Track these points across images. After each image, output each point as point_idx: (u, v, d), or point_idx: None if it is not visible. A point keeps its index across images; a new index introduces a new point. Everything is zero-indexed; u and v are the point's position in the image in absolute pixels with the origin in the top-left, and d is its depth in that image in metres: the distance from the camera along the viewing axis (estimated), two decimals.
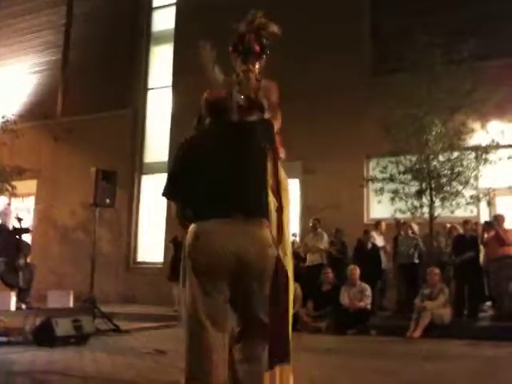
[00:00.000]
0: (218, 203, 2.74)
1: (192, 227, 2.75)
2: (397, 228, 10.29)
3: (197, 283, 2.69)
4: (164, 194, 2.97)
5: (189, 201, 2.85)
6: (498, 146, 9.63)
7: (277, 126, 3.21)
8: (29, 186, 15.29)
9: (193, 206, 2.82)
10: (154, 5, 16.13)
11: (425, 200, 9.91)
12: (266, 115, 3.19)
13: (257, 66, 3.64)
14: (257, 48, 3.62)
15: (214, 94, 3.10)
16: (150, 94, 15.64)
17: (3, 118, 14.14)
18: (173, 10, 15.47)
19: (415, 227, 10.05)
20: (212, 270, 2.66)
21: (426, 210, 9.91)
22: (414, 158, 10.01)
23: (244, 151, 2.86)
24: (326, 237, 10.37)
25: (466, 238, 9.29)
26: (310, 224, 10.57)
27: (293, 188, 12.65)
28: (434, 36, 9.11)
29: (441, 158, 9.91)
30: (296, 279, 9.40)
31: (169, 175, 3.02)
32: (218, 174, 2.79)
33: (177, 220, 2.95)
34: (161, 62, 15.56)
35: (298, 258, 10.38)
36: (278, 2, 12.76)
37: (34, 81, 16.89)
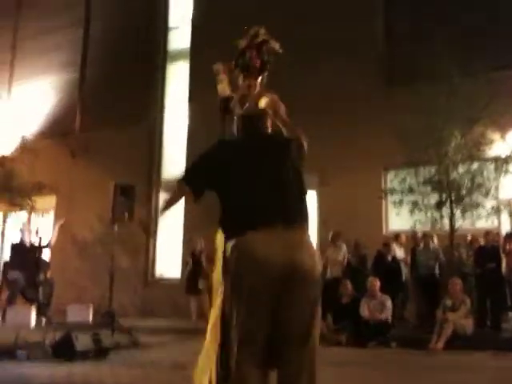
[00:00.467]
0: (264, 214, 2.66)
1: (238, 241, 2.66)
2: (413, 240, 10.18)
3: (246, 300, 2.57)
4: (184, 179, 2.90)
5: (231, 211, 2.78)
6: None
7: (305, 145, 3.18)
8: (48, 201, 15.44)
9: (237, 217, 2.74)
10: (171, 23, 16.32)
11: (445, 212, 9.80)
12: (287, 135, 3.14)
13: (258, 81, 3.69)
14: (258, 63, 3.67)
15: (251, 109, 3.17)
16: (166, 110, 15.78)
17: (22, 138, 14.39)
18: (189, 27, 15.63)
19: (435, 239, 9.93)
20: (263, 284, 2.55)
21: (446, 221, 9.80)
22: (433, 169, 9.93)
23: (284, 163, 2.84)
24: (344, 248, 10.29)
25: (488, 249, 9.17)
26: (330, 237, 10.49)
27: (310, 200, 12.61)
28: (451, 46, 9.08)
29: (460, 169, 9.82)
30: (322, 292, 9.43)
31: (194, 165, 2.97)
32: (262, 185, 2.74)
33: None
34: (177, 79, 15.70)
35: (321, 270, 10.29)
36: (292, 14, 12.89)
37: (52, 99, 17.12)
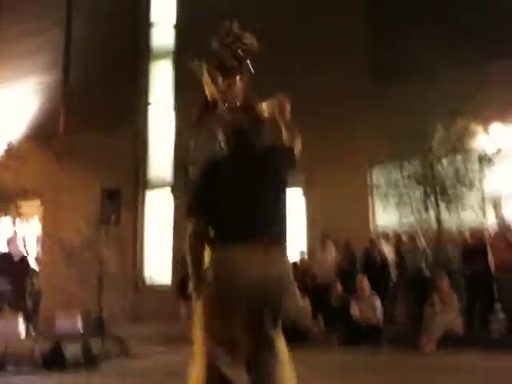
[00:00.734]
0: (241, 230, 2.78)
1: (215, 254, 2.78)
2: (397, 242, 10.18)
3: (219, 311, 2.73)
4: (190, 211, 2.93)
5: (213, 225, 2.85)
6: (500, 150, 9.61)
7: (297, 150, 3.19)
8: (33, 206, 15.31)
9: (217, 231, 2.83)
10: (153, 21, 16.21)
11: (430, 205, 9.85)
12: (285, 137, 3.19)
13: (237, 78, 3.63)
14: (233, 62, 3.62)
15: (238, 121, 3.11)
16: (151, 109, 15.68)
17: (8, 145, 14.25)
18: (171, 25, 15.53)
19: (421, 238, 9.94)
20: (236, 297, 2.70)
21: (432, 214, 9.85)
22: (417, 163, 9.98)
23: (266, 179, 2.92)
24: (333, 249, 10.29)
25: (475, 248, 9.16)
26: (319, 237, 10.50)
27: (296, 200, 12.68)
28: (433, 41, 9.10)
29: (444, 162, 9.88)
30: (305, 293, 9.44)
31: (194, 194, 3.01)
32: (242, 201, 2.84)
33: (192, 240, 2.89)
34: (161, 78, 15.61)
35: (309, 276, 10.30)
36: (277, 13, 12.86)
37: (36, 102, 16.95)
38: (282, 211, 2.92)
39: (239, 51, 3.62)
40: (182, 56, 14.31)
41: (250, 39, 3.67)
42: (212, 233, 2.84)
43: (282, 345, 2.88)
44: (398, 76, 9.85)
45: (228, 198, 2.85)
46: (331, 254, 10.23)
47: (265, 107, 3.51)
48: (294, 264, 10.56)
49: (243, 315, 2.72)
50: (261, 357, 2.79)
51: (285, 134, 3.21)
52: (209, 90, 3.77)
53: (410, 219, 10.14)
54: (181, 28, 15.11)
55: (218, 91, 3.67)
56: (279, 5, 12.89)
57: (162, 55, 15.80)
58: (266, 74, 12.27)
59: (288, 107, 3.32)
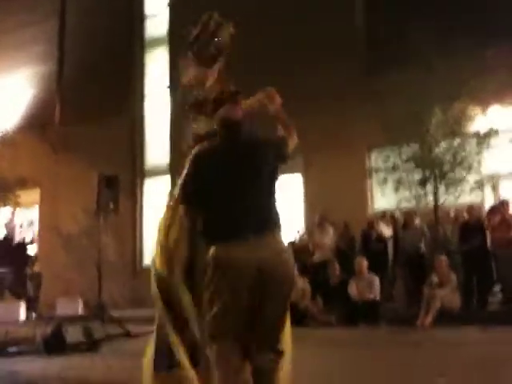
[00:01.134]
0: (235, 225, 2.84)
1: (212, 251, 2.81)
2: (393, 221, 10.23)
3: (220, 299, 2.76)
4: (183, 201, 3.07)
5: (206, 221, 2.92)
6: (497, 132, 9.61)
7: (292, 145, 3.20)
8: (32, 195, 15.31)
9: (210, 227, 2.89)
10: (148, 10, 16.15)
11: (429, 188, 9.88)
12: (281, 131, 3.21)
13: (214, 68, 3.64)
14: (212, 51, 3.62)
15: (230, 113, 3.08)
16: (147, 98, 15.65)
17: (2, 133, 14.22)
18: (166, 14, 15.47)
19: (417, 218, 9.98)
20: (236, 288, 2.75)
21: (430, 198, 9.89)
22: (416, 147, 9.99)
23: (259, 172, 2.96)
24: (331, 231, 10.33)
25: (472, 225, 9.24)
26: (316, 220, 10.52)
27: (295, 183, 12.71)
28: (430, 24, 9.07)
29: (443, 145, 9.89)
30: (304, 274, 9.51)
31: (184, 184, 3.07)
32: (236, 199, 2.88)
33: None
34: (156, 67, 15.56)
35: (306, 253, 10.37)
36: (272, 4, 12.82)
37: (31, 92, 16.91)
38: (273, 201, 2.98)
39: (219, 40, 3.63)
40: (176, 41, 14.28)
41: (229, 27, 3.68)
42: (204, 223, 2.92)
43: (286, 335, 2.97)
44: (395, 62, 9.83)
45: (218, 189, 2.90)
46: (329, 235, 10.25)
47: (253, 101, 3.52)
48: (292, 244, 10.64)
49: (240, 304, 2.75)
50: (261, 350, 2.84)
51: (280, 129, 3.22)
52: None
53: (408, 203, 10.15)
54: (174, 13, 15.04)
55: (196, 80, 3.67)
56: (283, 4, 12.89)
57: (156, 43, 15.74)
58: (262, 61, 12.34)
59: (278, 99, 3.33)
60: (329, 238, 10.25)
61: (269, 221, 2.91)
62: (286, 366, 2.98)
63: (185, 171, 3.10)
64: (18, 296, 8.47)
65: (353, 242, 10.45)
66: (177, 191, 3.23)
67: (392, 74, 9.46)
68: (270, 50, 12.53)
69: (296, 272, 9.24)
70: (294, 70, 12.11)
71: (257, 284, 2.75)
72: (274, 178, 3.02)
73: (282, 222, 2.96)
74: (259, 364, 2.82)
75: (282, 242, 2.94)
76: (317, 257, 10.14)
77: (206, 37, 3.63)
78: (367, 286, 8.92)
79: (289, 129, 3.21)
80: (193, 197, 2.99)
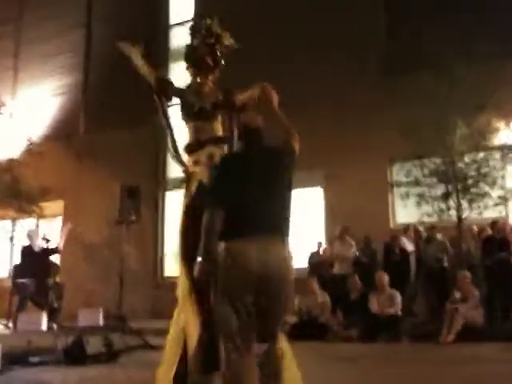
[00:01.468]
0: (251, 226, 2.99)
1: (225, 247, 2.96)
2: (416, 234, 10.13)
3: (228, 300, 2.93)
4: (211, 202, 3.11)
5: (226, 221, 3.04)
6: None
7: (296, 147, 3.25)
8: (55, 206, 15.47)
9: (228, 222, 3.02)
10: (172, 22, 16.32)
11: (452, 202, 9.76)
12: (282, 134, 3.26)
13: (210, 78, 3.76)
14: (209, 62, 3.69)
15: (251, 120, 3.22)
16: (171, 108, 15.74)
17: (28, 141, 14.43)
18: (189, 23, 15.62)
19: (439, 234, 9.86)
20: (242, 287, 2.92)
21: (453, 212, 9.77)
22: (438, 161, 9.89)
23: (274, 177, 3.09)
24: (353, 244, 10.24)
25: (496, 239, 9.11)
26: (338, 232, 10.45)
27: (316, 196, 12.66)
28: (453, 33, 9.00)
29: (466, 159, 9.77)
30: (324, 288, 9.45)
31: (214, 186, 3.23)
32: (254, 199, 3.02)
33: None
34: (179, 78, 15.68)
35: (326, 266, 10.32)
36: (292, 7, 12.86)
37: (56, 102, 17.16)
38: (287, 207, 3.11)
39: (218, 52, 3.71)
40: None
41: (229, 40, 3.75)
42: (224, 223, 3.03)
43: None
44: (416, 72, 9.75)
45: (239, 193, 3.04)
46: (351, 248, 10.17)
47: (246, 95, 3.59)
48: (312, 256, 10.59)
49: (248, 301, 2.92)
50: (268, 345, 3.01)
51: (280, 131, 3.28)
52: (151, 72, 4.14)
53: (431, 217, 10.03)
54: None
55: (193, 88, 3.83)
56: (300, 4, 12.90)
57: (181, 54, 15.87)
58: (282, 72, 12.37)
59: (274, 95, 3.39)
60: (350, 250, 10.17)
61: (279, 226, 3.05)
62: (293, 368, 3.10)
63: (212, 175, 3.32)
64: (40, 306, 8.56)
65: (374, 255, 10.36)
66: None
67: (413, 84, 9.39)
68: (284, 51, 12.56)
69: (316, 285, 9.29)
70: (309, 73, 12.09)
71: (257, 281, 2.90)
72: (289, 186, 3.15)
73: (290, 231, 3.10)
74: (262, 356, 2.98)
75: (287, 249, 3.05)
76: (337, 269, 10.07)
77: (207, 47, 3.71)
78: (388, 300, 8.82)
79: (287, 127, 3.26)
80: (221, 199, 3.10)
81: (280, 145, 3.22)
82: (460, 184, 9.71)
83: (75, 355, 6.62)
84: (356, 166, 11.69)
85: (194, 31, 3.77)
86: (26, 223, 14.62)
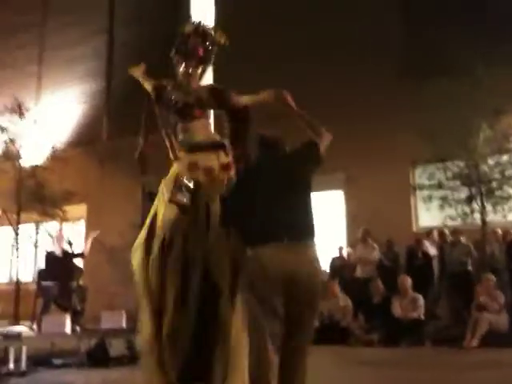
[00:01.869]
0: (273, 230, 3.01)
1: (251, 253, 3.03)
2: (441, 237, 10.03)
3: (257, 304, 2.93)
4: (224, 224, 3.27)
5: (248, 225, 3.11)
6: None
7: (325, 140, 3.28)
8: (78, 210, 15.64)
9: (251, 231, 3.08)
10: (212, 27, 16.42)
11: (476, 206, 9.66)
12: (309, 133, 3.28)
13: (199, 71, 3.66)
14: (201, 52, 3.61)
15: (267, 131, 3.30)
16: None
17: (53, 147, 14.62)
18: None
19: (463, 237, 9.76)
20: (270, 290, 2.93)
21: (477, 215, 9.66)
22: (461, 164, 9.79)
23: (293, 181, 3.13)
24: (377, 250, 10.17)
25: None
26: (360, 235, 10.40)
27: (337, 199, 12.61)
28: (474, 35, 8.92)
29: (490, 161, 9.67)
30: (346, 291, 9.40)
31: (227, 207, 3.27)
32: (273, 204, 3.07)
33: None
34: (203, 80, 15.76)
35: (348, 269, 10.29)
36: (310, 9, 12.86)
37: (80, 108, 17.36)
38: (309, 213, 3.14)
39: (209, 43, 3.65)
40: (221, 58, 14.47)
41: (221, 36, 3.73)
42: (250, 230, 3.08)
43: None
44: (437, 72, 9.66)
45: (258, 204, 3.09)
46: (374, 251, 10.10)
47: (254, 97, 3.56)
48: (333, 259, 10.55)
49: (277, 303, 2.93)
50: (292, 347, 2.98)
51: (309, 131, 3.28)
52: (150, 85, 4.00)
53: (454, 221, 9.93)
54: (220, 28, 15.24)
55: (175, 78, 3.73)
56: (317, 7, 12.90)
57: None
58: (302, 75, 12.34)
59: (290, 100, 3.39)
60: (373, 253, 10.10)
61: (304, 230, 3.07)
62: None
63: (232, 183, 3.34)
64: (64, 309, 8.66)
65: (396, 259, 10.28)
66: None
67: (435, 86, 9.31)
68: (306, 52, 12.56)
69: (338, 289, 9.25)
70: (329, 76, 12.08)
71: (286, 286, 2.92)
72: (309, 190, 3.19)
73: (316, 233, 3.10)
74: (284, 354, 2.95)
75: (314, 254, 3.05)
76: (359, 273, 10.02)
77: (198, 38, 3.62)
78: (411, 304, 8.74)
79: (315, 127, 3.27)
80: (232, 221, 3.23)
81: (303, 148, 3.25)
82: (484, 187, 9.61)
83: (98, 357, 6.70)
84: (378, 169, 11.61)
85: (189, 22, 3.71)
86: (50, 226, 14.79)
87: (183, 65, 3.64)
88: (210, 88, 3.67)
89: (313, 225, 3.13)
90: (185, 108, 3.55)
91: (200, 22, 3.67)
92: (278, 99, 3.43)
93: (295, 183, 3.14)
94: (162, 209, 3.61)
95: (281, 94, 3.43)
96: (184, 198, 3.43)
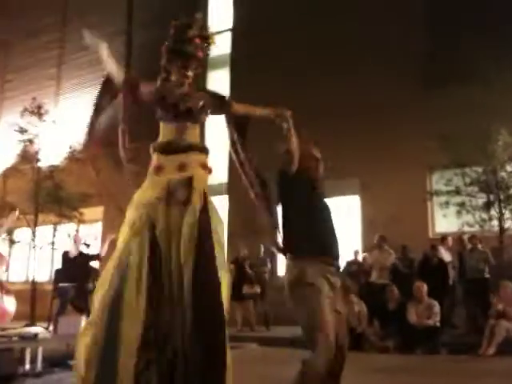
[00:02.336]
0: (312, 246, 3.42)
1: (294, 262, 3.45)
2: (459, 242, 9.94)
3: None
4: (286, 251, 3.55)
5: (289, 234, 3.52)
6: None
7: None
8: (95, 212, 15.75)
9: (293, 241, 3.48)
10: (211, 30, 16.46)
11: (493, 212, 9.57)
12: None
13: (191, 74, 3.57)
14: (200, 55, 3.58)
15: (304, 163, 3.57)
16: (208, 118, 15.88)
17: (70, 148, 14.75)
18: (228, 34, 15.75)
19: (480, 244, 9.66)
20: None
21: (495, 222, 9.58)
22: (480, 170, 9.72)
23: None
24: (393, 255, 10.10)
25: None
26: (375, 241, 10.34)
27: (352, 204, 12.56)
28: (491, 42, 8.87)
29: (508, 168, 9.59)
30: (361, 297, 9.34)
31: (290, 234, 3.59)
32: (321, 228, 3.50)
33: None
34: (218, 86, 15.83)
35: (363, 275, 10.25)
36: (330, 18, 12.86)
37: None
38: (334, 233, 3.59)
39: (207, 45, 3.63)
40: (238, 63, 14.52)
41: (213, 40, 3.70)
42: (287, 241, 3.49)
43: None
44: (455, 78, 9.61)
45: (297, 217, 3.49)
46: (389, 257, 10.04)
47: (261, 112, 3.66)
48: (349, 264, 10.49)
49: None
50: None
51: (287, 152, 3.53)
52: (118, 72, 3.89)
53: (471, 227, 9.85)
54: (237, 34, 15.28)
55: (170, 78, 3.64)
56: (333, 8, 12.90)
57: (218, 63, 16.01)
58: (320, 82, 12.31)
59: (290, 120, 3.52)
60: (389, 259, 10.04)
61: (333, 247, 3.57)
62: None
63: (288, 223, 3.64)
64: (80, 310, 8.72)
65: (412, 265, 10.20)
66: None
67: (452, 91, 9.27)
68: (323, 60, 12.56)
69: (353, 295, 9.18)
70: (346, 83, 12.07)
71: None
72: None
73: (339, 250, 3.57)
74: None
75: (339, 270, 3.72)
76: (374, 278, 9.96)
77: (201, 42, 3.56)
78: (427, 310, 8.66)
79: (292, 155, 3.50)
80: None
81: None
82: (502, 193, 9.52)
83: None
84: (394, 175, 11.56)
85: (192, 24, 3.66)
86: (67, 228, 14.93)
87: (180, 65, 3.54)
88: (211, 94, 3.65)
89: (336, 242, 3.59)
90: (187, 111, 3.49)
91: (203, 24, 3.63)
92: (279, 116, 3.51)
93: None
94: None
95: (283, 113, 3.51)
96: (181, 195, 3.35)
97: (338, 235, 3.59)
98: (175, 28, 3.70)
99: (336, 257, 3.55)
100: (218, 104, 3.66)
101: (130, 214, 3.40)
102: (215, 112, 3.70)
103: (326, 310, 3.26)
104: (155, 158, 3.57)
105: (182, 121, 3.49)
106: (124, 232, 3.32)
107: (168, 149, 3.51)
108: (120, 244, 3.29)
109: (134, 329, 2.97)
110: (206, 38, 3.58)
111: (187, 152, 3.47)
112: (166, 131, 3.58)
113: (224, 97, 3.71)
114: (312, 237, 3.45)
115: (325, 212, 3.60)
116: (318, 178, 3.70)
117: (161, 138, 3.61)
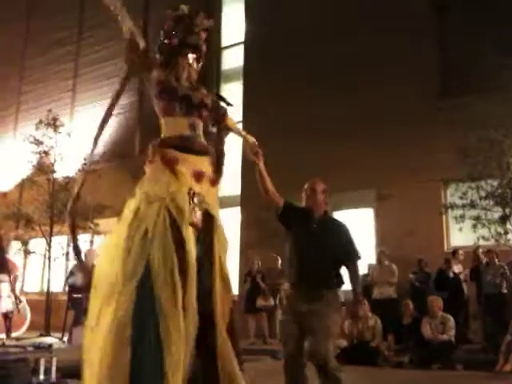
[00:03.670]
0: (298, 276, 4.16)
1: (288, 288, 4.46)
2: (476, 257, 9.85)
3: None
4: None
5: (288, 262, 4.28)
6: None
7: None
8: (110, 223, 15.81)
9: (289, 268, 4.25)
10: (224, 44, 16.59)
11: (509, 226, 9.49)
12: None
13: (197, 67, 3.47)
14: (203, 48, 3.54)
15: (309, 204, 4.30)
16: None
17: (85, 159, 14.84)
18: (241, 47, 15.83)
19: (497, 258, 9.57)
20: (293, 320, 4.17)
21: (510, 236, 9.48)
22: (495, 183, 9.64)
23: (326, 244, 4.15)
24: (396, 271, 10.05)
25: None
26: (376, 256, 10.33)
27: (366, 217, 12.50)
28: (506, 54, 8.82)
29: None
30: (374, 311, 9.27)
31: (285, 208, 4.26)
32: (307, 254, 4.07)
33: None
34: (231, 99, 15.87)
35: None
36: (343, 29, 12.90)
37: (113, 122, 17.64)
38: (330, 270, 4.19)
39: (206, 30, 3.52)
40: (251, 75, 14.57)
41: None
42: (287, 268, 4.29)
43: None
44: (471, 89, 9.57)
45: (296, 247, 4.20)
46: (393, 275, 9.98)
47: (240, 130, 3.89)
48: (363, 277, 10.42)
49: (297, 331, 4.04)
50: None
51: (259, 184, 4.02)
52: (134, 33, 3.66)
53: (487, 241, 9.75)
54: (250, 46, 15.34)
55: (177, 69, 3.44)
56: (345, 20, 12.94)
57: (231, 76, 16.09)
58: (334, 94, 12.29)
59: (260, 156, 3.80)
60: (393, 277, 10.00)
61: (328, 281, 4.21)
62: None
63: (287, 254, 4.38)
64: None
65: (427, 279, 10.11)
66: None
67: (468, 102, 9.21)
68: (337, 73, 12.59)
69: (367, 308, 9.13)
70: (360, 94, 12.07)
71: (303, 319, 4.04)
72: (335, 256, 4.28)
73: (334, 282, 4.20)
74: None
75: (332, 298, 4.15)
76: (376, 293, 9.93)
77: (205, 35, 3.47)
78: (442, 325, 8.57)
79: (266, 185, 4.07)
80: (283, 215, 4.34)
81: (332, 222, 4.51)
82: None
83: None
84: (409, 187, 11.48)
85: (197, 16, 3.57)
86: (82, 239, 14.99)
87: (183, 54, 3.38)
88: (212, 95, 3.48)
89: (331, 275, 4.22)
90: (200, 105, 3.25)
91: (207, 20, 3.57)
92: (251, 149, 3.75)
93: (326, 248, 4.23)
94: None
95: (255, 147, 3.76)
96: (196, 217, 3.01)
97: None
98: (181, 20, 3.47)
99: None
100: (216, 108, 3.50)
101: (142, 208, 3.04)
102: (212, 115, 3.48)
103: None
104: (166, 152, 3.13)
105: (194, 115, 3.23)
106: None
107: (182, 145, 3.12)
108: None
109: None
110: (207, 31, 3.55)
111: (203, 155, 3.24)
112: (175, 126, 3.25)
113: (222, 104, 3.57)
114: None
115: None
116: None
117: (168, 134, 3.27)
